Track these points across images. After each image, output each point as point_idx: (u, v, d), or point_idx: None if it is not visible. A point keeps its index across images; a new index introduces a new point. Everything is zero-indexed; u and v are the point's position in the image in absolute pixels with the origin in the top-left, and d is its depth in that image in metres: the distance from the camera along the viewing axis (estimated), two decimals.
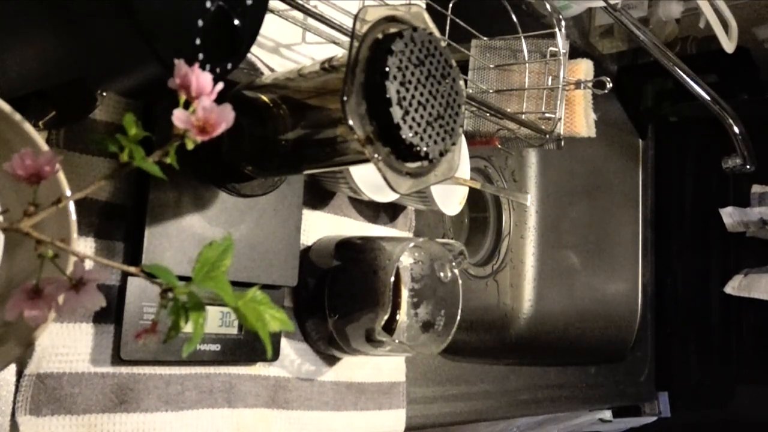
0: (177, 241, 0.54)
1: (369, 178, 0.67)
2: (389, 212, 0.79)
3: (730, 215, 1.41)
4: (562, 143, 0.85)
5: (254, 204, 0.59)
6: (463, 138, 0.77)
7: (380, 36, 0.44)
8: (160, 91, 0.37)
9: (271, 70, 0.64)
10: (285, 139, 0.52)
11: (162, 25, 0.38)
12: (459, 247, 0.68)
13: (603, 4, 0.92)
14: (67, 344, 0.50)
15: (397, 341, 0.64)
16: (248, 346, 0.60)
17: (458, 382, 0.91)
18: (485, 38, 0.87)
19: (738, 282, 1.37)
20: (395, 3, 0.49)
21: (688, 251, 1.49)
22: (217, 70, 0.41)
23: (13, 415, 0.48)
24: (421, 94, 0.44)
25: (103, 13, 0.38)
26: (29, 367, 0.48)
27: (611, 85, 0.83)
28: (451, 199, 0.80)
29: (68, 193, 0.42)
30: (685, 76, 0.99)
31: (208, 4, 0.40)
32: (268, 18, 0.46)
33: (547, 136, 0.82)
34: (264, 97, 0.52)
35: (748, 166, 1.14)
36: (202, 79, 0.37)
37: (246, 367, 0.62)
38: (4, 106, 0.41)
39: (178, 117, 0.36)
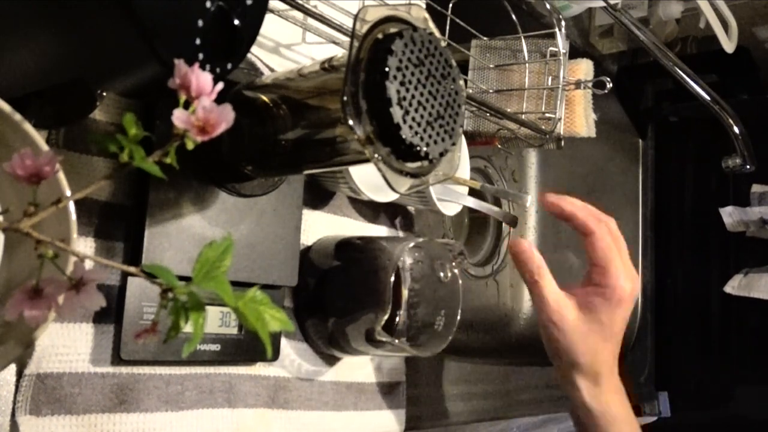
0: (177, 241, 0.54)
1: (369, 178, 0.67)
2: (389, 212, 0.79)
3: (730, 215, 1.40)
4: (562, 143, 0.84)
5: (254, 204, 0.59)
6: (463, 138, 0.77)
7: (380, 36, 0.44)
8: (160, 91, 0.37)
9: (271, 70, 0.64)
10: (285, 139, 0.52)
11: (162, 25, 0.38)
12: (459, 247, 0.68)
13: (603, 4, 0.92)
14: (67, 344, 0.50)
15: (397, 341, 0.64)
16: (248, 346, 0.60)
17: (458, 382, 0.91)
18: (485, 38, 0.87)
19: (738, 282, 1.37)
20: (395, 3, 0.49)
21: (688, 251, 1.49)
22: (217, 70, 0.41)
23: (13, 415, 0.48)
24: (421, 94, 0.44)
25: (103, 13, 0.38)
26: (29, 367, 0.48)
27: (611, 85, 0.83)
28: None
29: (68, 193, 0.42)
30: (685, 76, 0.99)
31: (208, 4, 0.40)
32: (268, 18, 0.46)
33: (547, 136, 0.82)
34: (264, 97, 0.52)
35: (748, 166, 1.14)
36: (202, 79, 0.37)
37: (246, 367, 0.62)
38: (4, 106, 0.41)
39: (178, 117, 0.36)
